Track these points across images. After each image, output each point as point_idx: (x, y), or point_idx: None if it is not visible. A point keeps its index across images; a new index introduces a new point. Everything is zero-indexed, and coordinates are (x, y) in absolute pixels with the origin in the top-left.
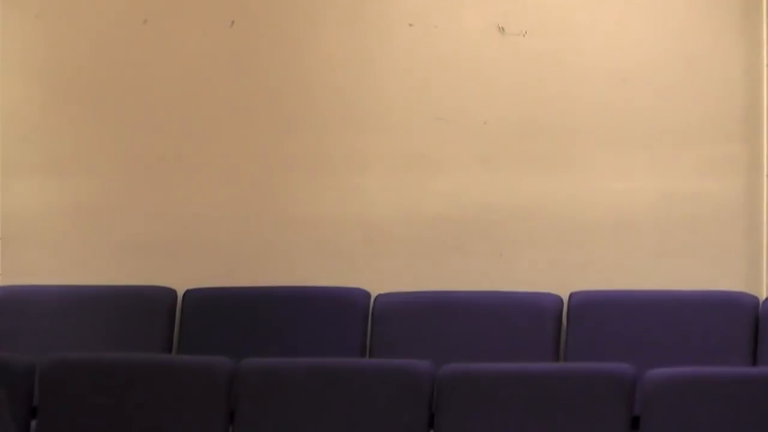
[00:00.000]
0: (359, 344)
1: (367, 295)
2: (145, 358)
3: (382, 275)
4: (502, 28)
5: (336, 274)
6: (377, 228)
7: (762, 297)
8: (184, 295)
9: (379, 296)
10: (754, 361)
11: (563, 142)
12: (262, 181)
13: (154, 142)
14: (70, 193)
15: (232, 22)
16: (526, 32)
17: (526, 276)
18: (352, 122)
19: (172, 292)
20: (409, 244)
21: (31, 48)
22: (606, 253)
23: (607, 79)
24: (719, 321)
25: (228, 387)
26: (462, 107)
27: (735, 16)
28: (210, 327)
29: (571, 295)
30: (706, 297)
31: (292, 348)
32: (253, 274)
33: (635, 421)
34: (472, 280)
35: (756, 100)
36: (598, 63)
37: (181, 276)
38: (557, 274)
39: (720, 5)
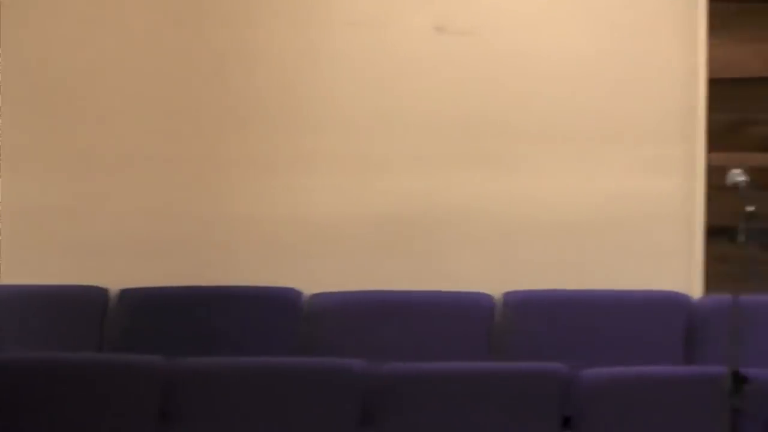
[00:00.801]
0: (293, 343)
1: (300, 294)
2: (77, 357)
3: (323, 275)
4: (443, 28)
5: (275, 274)
6: (320, 227)
7: (696, 296)
8: (120, 294)
9: (313, 296)
10: (688, 360)
11: (505, 141)
12: (204, 179)
13: (88, 140)
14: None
15: (177, 18)
16: (467, 31)
17: (464, 275)
18: (296, 121)
19: (104, 292)
20: (351, 243)
21: None
22: (545, 253)
23: (549, 80)
24: (654, 320)
25: (161, 386)
26: (404, 106)
27: (673, 18)
28: (145, 326)
29: (505, 295)
30: (642, 296)
31: (227, 347)
32: (192, 273)
33: (569, 421)
34: (410, 279)
35: (693, 102)
36: (540, 63)
37: (118, 275)
38: (495, 273)
39: (660, 7)
